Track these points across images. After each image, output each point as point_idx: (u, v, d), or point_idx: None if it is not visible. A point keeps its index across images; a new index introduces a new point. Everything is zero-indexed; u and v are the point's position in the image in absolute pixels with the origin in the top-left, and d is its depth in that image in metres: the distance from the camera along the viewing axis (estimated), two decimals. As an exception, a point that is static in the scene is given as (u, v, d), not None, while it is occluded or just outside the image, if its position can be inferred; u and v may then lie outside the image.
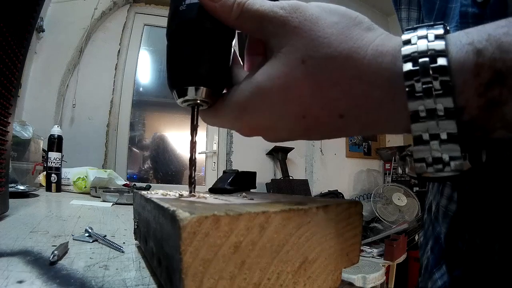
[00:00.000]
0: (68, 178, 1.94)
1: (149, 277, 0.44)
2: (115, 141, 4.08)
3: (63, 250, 0.51)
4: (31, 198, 1.38)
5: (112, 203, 1.36)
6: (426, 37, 0.31)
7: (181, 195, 0.50)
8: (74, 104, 3.74)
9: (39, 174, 2.01)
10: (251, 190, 0.68)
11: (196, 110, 0.47)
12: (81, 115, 3.82)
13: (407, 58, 0.31)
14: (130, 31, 4.31)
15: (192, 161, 0.48)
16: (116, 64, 4.12)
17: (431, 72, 0.30)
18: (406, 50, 0.31)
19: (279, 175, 4.57)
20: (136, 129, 4.31)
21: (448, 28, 0.33)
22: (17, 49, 0.74)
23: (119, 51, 4.16)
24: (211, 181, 4.39)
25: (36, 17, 0.82)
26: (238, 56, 0.51)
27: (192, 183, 0.49)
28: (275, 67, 0.38)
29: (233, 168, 4.07)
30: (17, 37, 0.74)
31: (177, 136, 4.47)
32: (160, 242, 0.37)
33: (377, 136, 5.60)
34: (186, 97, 0.45)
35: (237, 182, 0.65)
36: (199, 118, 0.48)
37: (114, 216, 1.00)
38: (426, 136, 0.31)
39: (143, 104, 4.34)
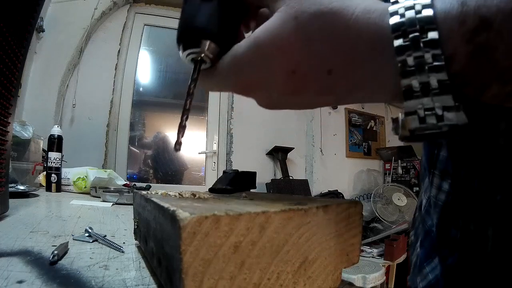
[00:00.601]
0: (68, 178, 1.94)
1: (149, 277, 0.44)
2: (115, 141, 4.08)
3: (63, 250, 0.51)
4: (31, 198, 1.38)
5: (112, 203, 1.36)
6: None
7: (180, 195, 0.50)
8: (74, 104, 3.74)
9: (39, 174, 2.01)
10: (251, 190, 0.68)
11: (199, 65, 0.47)
12: (81, 115, 3.81)
13: (394, 13, 0.31)
14: (130, 31, 4.31)
15: (186, 110, 0.47)
16: (116, 64, 4.12)
17: (417, 22, 0.30)
18: (393, 7, 0.32)
19: (279, 175, 4.56)
20: (136, 129, 4.31)
21: None
22: (17, 49, 0.74)
23: (119, 51, 4.16)
24: (211, 181, 4.39)
25: (36, 17, 0.82)
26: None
27: (180, 133, 0.47)
28: (271, 24, 0.38)
29: (233, 168, 4.07)
30: (17, 37, 0.74)
31: (176, 136, 4.46)
32: (160, 242, 0.37)
33: (377, 136, 5.61)
34: (192, 50, 0.46)
35: (237, 182, 0.65)
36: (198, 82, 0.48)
37: (114, 216, 1.00)
38: (417, 87, 0.30)
39: (143, 104, 4.34)
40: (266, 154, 4.62)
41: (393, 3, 0.32)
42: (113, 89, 4.06)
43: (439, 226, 0.58)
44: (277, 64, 0.39)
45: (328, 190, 4.52)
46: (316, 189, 4.67)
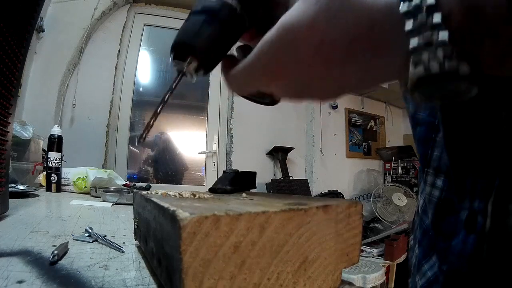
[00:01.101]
0: (68, 178, 1.94)
1: (149, 277, 0.44)
2: (115, 141, 4.08)
3: (63, 250, 0.52)
4: (31, 198, 1.38)
5: (112, 203, 1.36)
6: None
7: (180, 195, 0.50)
8: (74, 104, 3.74)
9: (39, 174, 2.01)
10: (251, 190, 0.68)
11: (180, 75, 0.52)
12: (81, 115, 3.82)
13: None
14: (130, 31, 4.31)
15: (156, 113, 0.53)
16: (116, 64, 4.12)
17: None
18: None
19: (279, 175, 4.57)
20: (136, 129, 4.31)
21: None
22: (17, 49, 0.74)
23: (119, 51, 4.16)
24: (211, 181, 4.39)
25: (36, 17, 0.83)
26: None
27: (146, 130, 0.53)
28: (295, 9, 0.41)
29: (233, 168, 4.07)
30: (17, 37, 0.74)
31: (177, 136, 4.47)
32: (160, 242, 0.37)
33: (377, 136, 5.61)
34: (179, 62, 0.51)
35: (237, 182, 0.65)
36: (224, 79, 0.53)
37: (114, 216, 1.00)
38: (421, 42, 0.32)
39: (143, 104, 4.34)
40: (266, 154, 4.62)
41: None
42: (113, 89, 4.06)
43: (434, 221, 0.59)
44: (306, 38, 0.41)
45: (328, 190, 4.52)
46: (316, 189, 4.67)
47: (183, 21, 0.52)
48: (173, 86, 0.52)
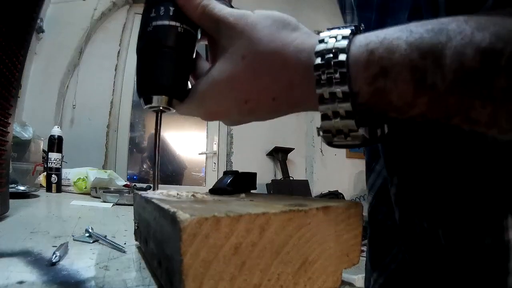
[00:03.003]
0: (68, 179, 1.94)
1: (150, 277, 0.44)
2: (115, 142, 4.09)
3: (64, 250, 0.52)
4: (32, 199, 1.38)
5: (112, 204, 1.36)
6: (335, 37, 0.39)
7: (181, 196, 0.50)
8: (74, 105, 3.75)
9: (39, 174, 2.01)
10: (252, 191, 0.68)
11: (159, 115, 0.58)
12: (81, 116, 3.82)
13: (318, 54, 0.39)
14: (130, 31, 4.31)
15: (156, 161, 0.59)
16: (116, 65, 4.13)
17: (332, 64, 0.37)
18: (319, 47, 0.39)
19: (279, 176, 4.57)
20: (136, 130, 4.32)
21: (361, 28, 0.41)
22: (17, 50, 0.74)
23: (119, 51, 4.17)
24: (211, 181, 4.40)
25: (36, 18, 0.82)
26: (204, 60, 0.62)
27: (155, 180, 0.60)
28: (224, 64, 0.48)
29: (234, 169, 4.08)
30: (17, 38, 0.74)
31: (176, 137, 4.47)
32: (160, 243, 0.37)
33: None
34: (151, 104, 0.55)
35: (237, 183, 0.64)
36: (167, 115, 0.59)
37: (114, 217, 1.00)
38: (330, 113, 0.39)
39: (143, 105, 4.34)
40: (267, 155, 4.63)
41: (320, 41, 0.40)
42: (113, 89, 4.07)
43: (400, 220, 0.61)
44: (233, 97, 0.48)
45: (329, 191, 4.51)
46: (316, 189, 4.67)
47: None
48: (158, 126, 0.58)
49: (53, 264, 0.46)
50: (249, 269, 0.32)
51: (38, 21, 2.40)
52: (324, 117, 0.40)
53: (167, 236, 0.33)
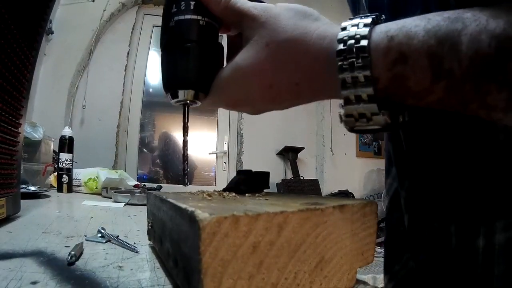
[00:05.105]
0: (79, 179, 1.95)
1: (164, 277, 0.44)
2: (126, 142, 4.10)
3: (79, 250, 0.51)
4: (43, 199, 1.39)
5: (124, 204, 1.36)
6: (357, 25, 0.40)
7: (195, 195, 0.50)
8: (84, 105, 3.77)
9: (50, 175, 2.02)
10: (264, 190, 0.68)
11: (187, 108, 0.58)
12: (91, 116, 3.84)
13: (340, 40, 0.40)
14: (139, 32, 4.33)
15: (185, 156, 0.60)
16: (126, 65, 4.14)
17: (354, 50, 0.38)
18: (341, 34, 0.40)
19: (289, 175, 4.56)
20: (146, 130, 4.33)
21: (382, 18, 0.43)
22: (28, 51, 0.74)
23: (128, 52, 4.18)
24: (221, 181, 4.41)
25: (46, 19, 0.83)
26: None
27: (185, 175, 0.60)
28: (248, 51, 0.49)
29: (244, 168, 4.08)
30: (28, 39, 0.74)
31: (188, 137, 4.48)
32: (177, 242, 0.37)
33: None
34: (178, 99, 0.56)
35: (251, 182, 0.65)
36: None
37: (126, 217, 1.00)
38: (352, 98, 0.40)
39: (153, 105, 4.36)
40: (277, 154, 4.62)
41: (343, 29, 0.41)
42: (123, 90, 4.08)
43: (409, 223, 0.61)
44: (257, 82, 0.49)
45: (339, 190, 4.50)
46: (326, 188, 4.66)
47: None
48: (186, 120, 0.59)
49: (70, 264, 0.46)
50: (267, 268, 0.32)
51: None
52: (347, 101, 0.41)
53: (184, 235, 0.33)
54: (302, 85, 0.46)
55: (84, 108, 3.77)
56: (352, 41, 0.39)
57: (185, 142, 0.60)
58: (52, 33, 3.54)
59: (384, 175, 0.72)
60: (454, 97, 0.35)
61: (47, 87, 3.52)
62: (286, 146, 4.47)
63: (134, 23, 4.26)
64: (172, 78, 0.56)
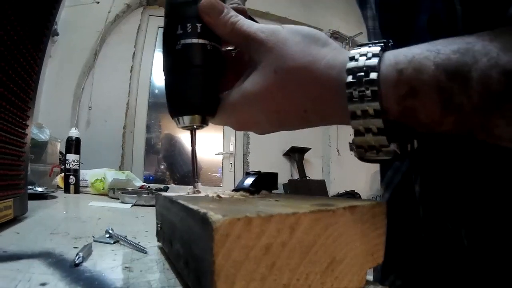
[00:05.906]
0: (86, 180, 1.95)
1: (174, 278, 0.43)
2: (132, 143, 4.11)
3: (88, 251, 0.51)
4: (50, 200, 1.39)
5: (131, 205, 1.36)
6: (365, 54, 0.40)
7: (203, 196, 0.50)
8: (90, 107, 3.78)
9: (56, 176, 2.03)
10: (273, 191, 0.68)
11: (194, 132, 0.59)
12: (97, 117, 3.85)
13: (349, 72, 0.40)
14: (145, 33, 4.34)
15: (194, 173, 0.64)
16: (131, 66, 4.15)
17: (364, 82, 0.38)
18: (350, 65, 0.40)
19: (296, 176, 4.57)
20: (152, 131, 4.34)
21: (390, 44, 0.43)
22: (34, 52, 0.74)
23: (134, 53, 4.19)
24: (227, 182, 4.42)
25: (52, 21, 0.83)
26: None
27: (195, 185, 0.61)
28: (256, 77, 0.49)
29: (251, 169, 4.08)
30: (34, 41, 0.74)
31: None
32: (188, 244, 0.37)
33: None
34: (185, 124, 0.56)
35: (259, 183, 0.65)
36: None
37: (133, 218, 1.00)
38: (362, 129, 0.40)
39: (159, 106, 4.37)
40: (283, 155, 4.63)
41: (351, 58, 0.41)
42: (129, 91, 4.10)
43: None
44: (265, 108, 0.50)
45: (345, 191, 4.51)
46: (333, 189, 4.66)
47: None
48: (194, 144, 0.60)
49: (77, 265, 0.46)
50: (279, 269, 0.31)
51: (54, 23, 2.42)
52: (357, 133, 0.41)
53: (196, 237, 0.33)
54: (310, 111, 0.47)
55: (90, 109, 3.79)
56: (362, 74, 0.39)
57: (194, 163, 0.62)
58: (58, 34, 3.55)
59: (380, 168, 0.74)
60: (463, 128, 0.36)
61: (53, 88, 3.53)
62: (292, 146, 4.47)
63: (139, 24, 4.28)
64: (179, 104, 0.56)
